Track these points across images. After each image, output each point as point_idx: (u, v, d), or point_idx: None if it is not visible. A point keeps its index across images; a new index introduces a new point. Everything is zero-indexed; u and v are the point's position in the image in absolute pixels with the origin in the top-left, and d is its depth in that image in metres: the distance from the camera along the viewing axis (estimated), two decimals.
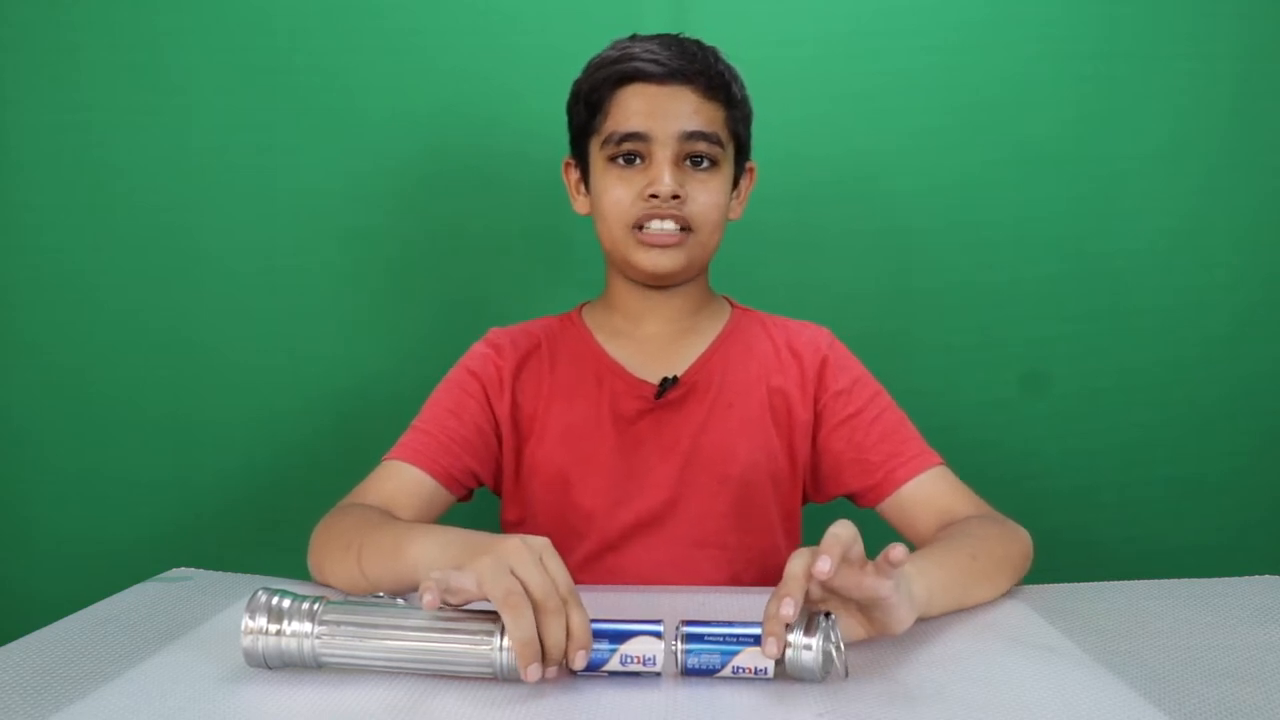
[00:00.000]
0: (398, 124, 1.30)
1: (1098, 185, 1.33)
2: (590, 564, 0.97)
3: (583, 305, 1.09)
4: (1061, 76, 1.31)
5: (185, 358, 1.30)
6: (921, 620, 0.73)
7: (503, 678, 0.63)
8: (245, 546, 1.29)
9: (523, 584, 0.62)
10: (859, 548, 0.65)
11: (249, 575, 0.90)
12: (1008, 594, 0.84)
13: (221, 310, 1.31)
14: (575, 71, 1.02)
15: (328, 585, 0.83)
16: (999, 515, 0.91)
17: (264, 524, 1.30)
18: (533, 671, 0.61)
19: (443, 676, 0.64)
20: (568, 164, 1.05)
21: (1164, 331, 1.35)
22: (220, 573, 0.92)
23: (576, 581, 0.93)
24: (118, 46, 1.27)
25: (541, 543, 0.65)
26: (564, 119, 1.04)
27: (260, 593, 0.64)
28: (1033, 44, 1.31)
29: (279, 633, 0.63)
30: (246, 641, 0.63)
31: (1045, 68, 1.31)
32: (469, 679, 0.64)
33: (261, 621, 0.63)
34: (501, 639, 0.62)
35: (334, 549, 0.82)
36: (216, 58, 1.28)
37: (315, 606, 0.64)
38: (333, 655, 0.63)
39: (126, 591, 0.85)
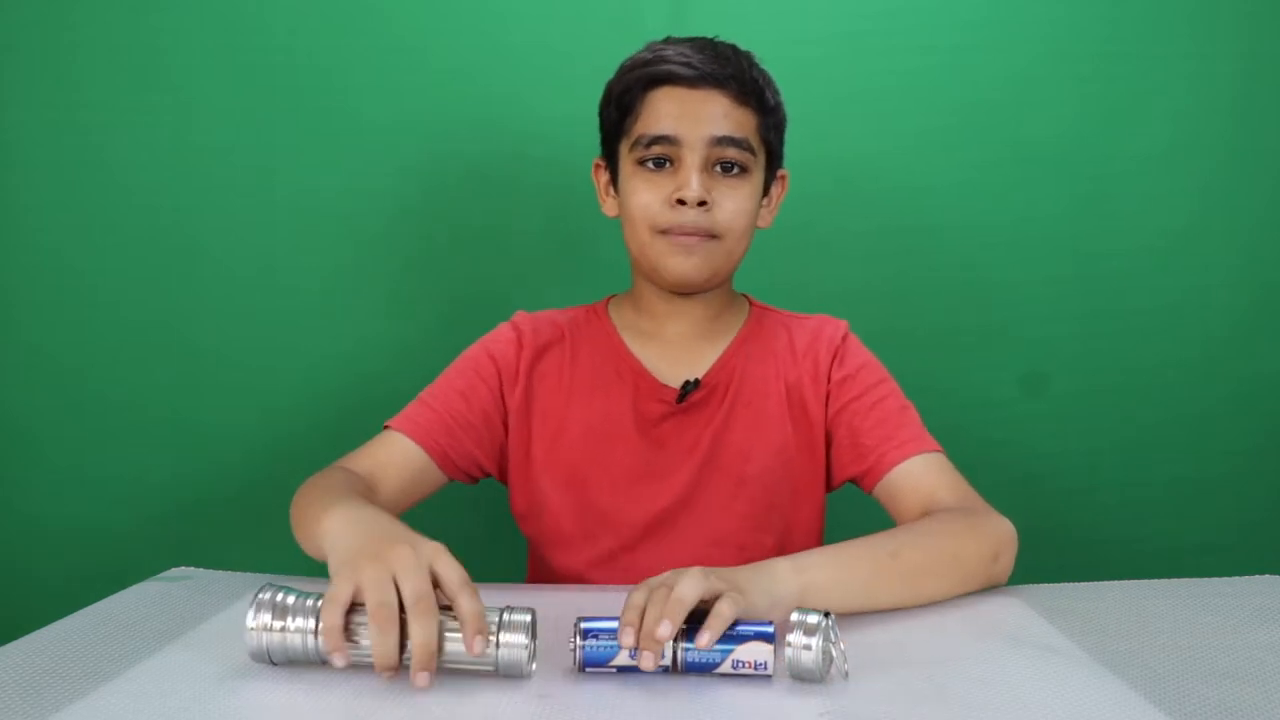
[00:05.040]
0: (397, 124, 1.29)
1: (1098, 185, 1.33)
2: (606, 562, 0.97)
3: (610, 298, 1.08)
4: (1062, 76, 1.31)
5: (185, 357, 1.30)
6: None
7: (503, 674, 0.63)
8: (246, 546, 1.28)
9: (399, 591, 0.62)
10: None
11: (249, 574, 0.90)
12: (1007, 593, 0.84)
13: (221, 310, 1.30)
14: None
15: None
16: (978, 509, 0.89)
17: (264, 524, 1.28)
18: (385, 678, 0.62)
19: (444, 673, 0.64)
20: (597, 165, 1.04)
21: (1164, 331, 1.35)
22: (220, 572, 0.92)
23: (592, 580, 0.96)
24: (118, 46, 1.27)
25: (433, 549, 0.65)
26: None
27: (264, 589, 0.65)
28: (1033, 44, 1.31)
29: (283, 629, 0.64)
30: (251, 637, 0.64)
31: (1045, 68, 1.31)
32: (469, 675, 0.64)
33: (265, 618, 0.64)
34: (499, 635, 0.62)
35: (299, 508, 0.85)
36: (216, 58, 1.28)
37: (319, 603, 0.64)
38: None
39: (126, 591, 0.85)
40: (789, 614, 0.65)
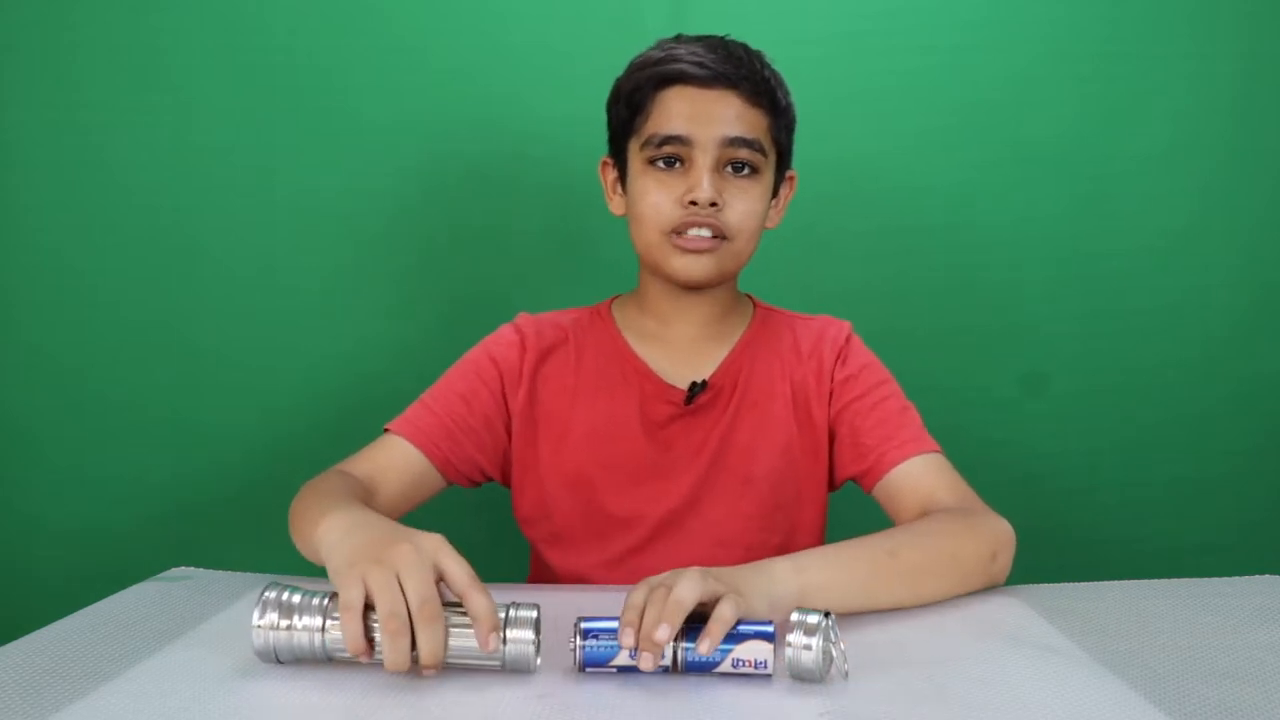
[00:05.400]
0: (397, 124, 1.29)
1: (1098, 185, 1.33)
2: (614, 565, 0.97)
3: (614, 299, 1.08)
4: (1062, 76, 1.31)
5: (185, 357, 1.30)
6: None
7: (509, 670, 0.64)
8: (245, 546, 1.28)
9: (404, 593, 0.62)
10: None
11: (249, 574, 0.90)
12: (1007, 593, 0.84)
13: (221, 310, 1.30)
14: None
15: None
16: (976, 509, 0.89)
17: (264, 524, 1.28)
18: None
19: (446, 669, 0.64)
20: (605, 163, 1.03)
21: (1164, 331, 1.35)
22: (220, 572, 0.92)
23: (599, 580, 0.96)
24: (118, 46, 1.27)
25: (435, 544, 0.66)
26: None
27: (269, 587, 0.65)
28: (1033, 44, 1.31)
29: (289, 627, 0.64)
30: (257, 635, 0.64)
31: (1045, 68, 1.31)
32: (469, 674, 0.64)
33: (272, 616, 0.64)
34: (505, 631, 0.63)
35: (297, 513, 0.84)
36: (216, 58, 1.28)
37: (325, 601, 0.65)
38: (343, 649, 0.63)
39: (126, 591, 0.85)
40: (788, 615, 0.65)
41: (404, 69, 1.29)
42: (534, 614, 0.64)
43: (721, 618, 0.64)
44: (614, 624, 0.65)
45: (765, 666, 0.64)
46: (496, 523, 1.09)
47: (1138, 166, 1.33)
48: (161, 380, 1.30)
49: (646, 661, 0.63)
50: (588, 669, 0.65)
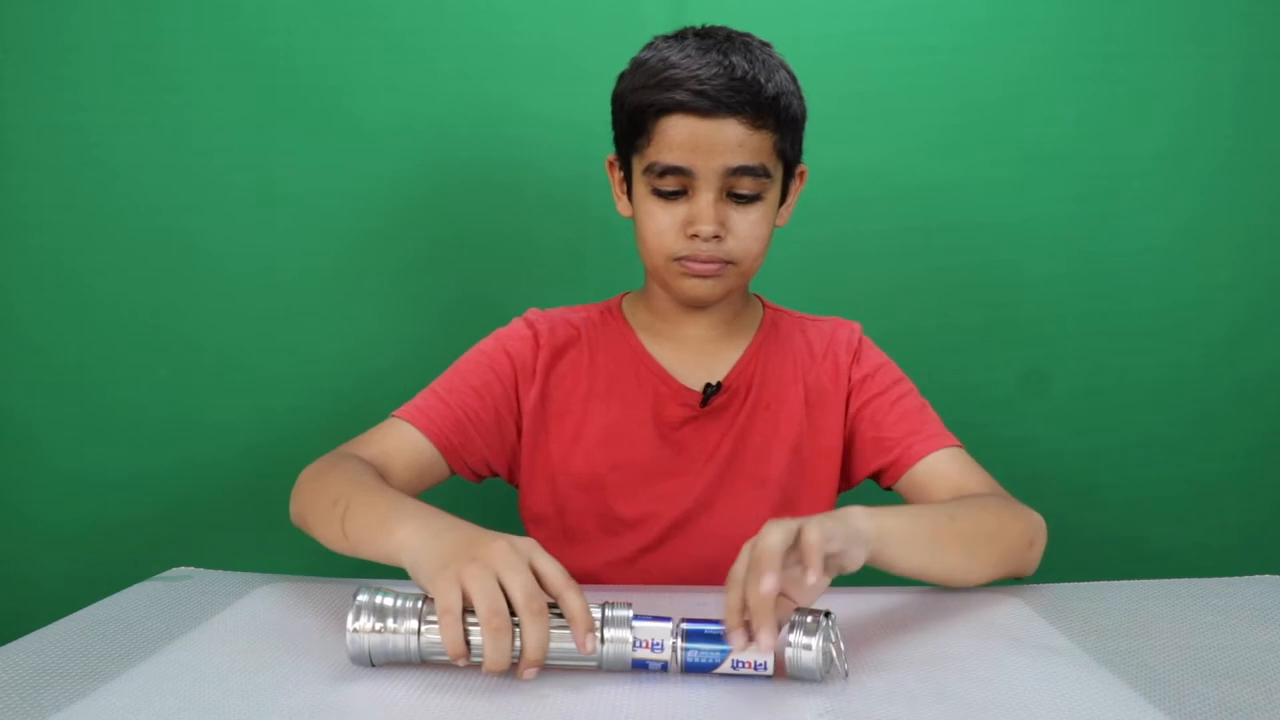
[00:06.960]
0: (396, 124, 1.29)
1: (1099, 185, 1.33)
2: (626, 565, 0.97)
3: (623, 296, 1.07)
4: (1062, 76, 1.31)
5: (185, 357, 1.30)
6: (884, 570, 0.74)
7: (606, 670, 0.64)
8: (246, 545, 1.29)
9: (507, 590, 0.62)
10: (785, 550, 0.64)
11: (249, 574, 0.90)
12: (1007, 593, 0.84)
13: (221, 310, 1.30)
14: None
15: (308, 533, 0.83)
16: (1011, 498, 0.90)
17: (264, 523, 1.29)
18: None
19: (549, 669, 0.64)
20: (611, 162, 1.01)
21: (1165, 332, 1.35)
22: (220, 572, 0.91)
23: (610, 580, 0.96)
24: (118, 46, 1.27)
25: (528, 544, 0.66)
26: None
27: (360, 591, 0.65)
28: (1034, 44, 1.31)
29: (383, 630, 0.64)
30: (353, 640, 0.64)
31: (1046, 68, 1.31)
32: (466, 673, 0.64)
33: (367, 620, 0.64)
34: (603, 631, 0.63)
35: (320, 502, 0.82)
36: (216, 58, 1.28)
37: (419, 605, 0.65)
38: (440, 652, 0.63)
39: (126, 591, 0.85)
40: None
41: (404, 69, 1.29)
42: (629, 613, 0.65)
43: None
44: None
45: (765, 667, 0.64)
46: (498, 521, 1.09)
47: (1140, 167, 1.33)
48: (161, 380, 1.30)
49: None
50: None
